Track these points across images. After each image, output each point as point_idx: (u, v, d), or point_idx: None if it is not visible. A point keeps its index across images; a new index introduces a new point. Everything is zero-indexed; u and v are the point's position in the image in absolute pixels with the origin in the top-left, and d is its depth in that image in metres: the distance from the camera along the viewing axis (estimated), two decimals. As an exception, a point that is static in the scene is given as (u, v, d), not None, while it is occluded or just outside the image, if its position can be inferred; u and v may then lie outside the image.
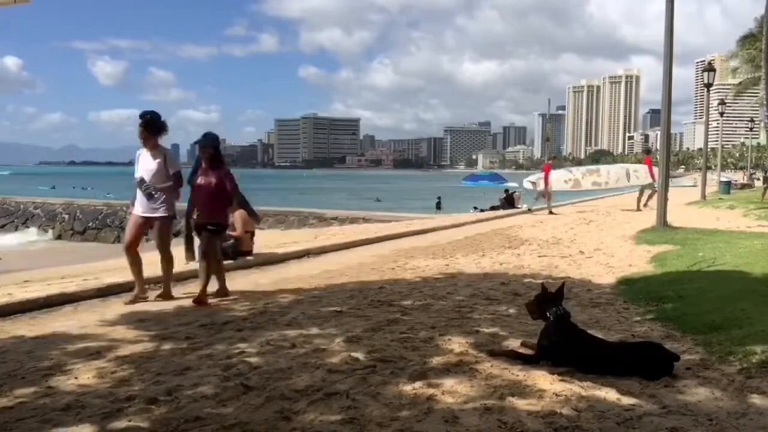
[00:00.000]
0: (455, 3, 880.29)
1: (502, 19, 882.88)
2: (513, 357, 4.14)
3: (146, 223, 6.53)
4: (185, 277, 8.03)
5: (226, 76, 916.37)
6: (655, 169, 17.76)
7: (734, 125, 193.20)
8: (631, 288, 6.83)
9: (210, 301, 6.33)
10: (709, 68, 28.73)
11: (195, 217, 6.77)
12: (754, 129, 58.69)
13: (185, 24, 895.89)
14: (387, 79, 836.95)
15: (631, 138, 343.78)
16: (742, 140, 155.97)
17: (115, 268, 8.06)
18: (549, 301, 4.15)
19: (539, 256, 9.70)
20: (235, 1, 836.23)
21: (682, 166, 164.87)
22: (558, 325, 4.05)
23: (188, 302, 6.32)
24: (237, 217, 9.57)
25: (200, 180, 6.66)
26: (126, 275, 6.81)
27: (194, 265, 8.73)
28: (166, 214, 6.49)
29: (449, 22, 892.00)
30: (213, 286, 6.60)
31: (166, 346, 4.60)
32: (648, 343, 4.21)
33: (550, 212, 19.59)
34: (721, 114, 42.76)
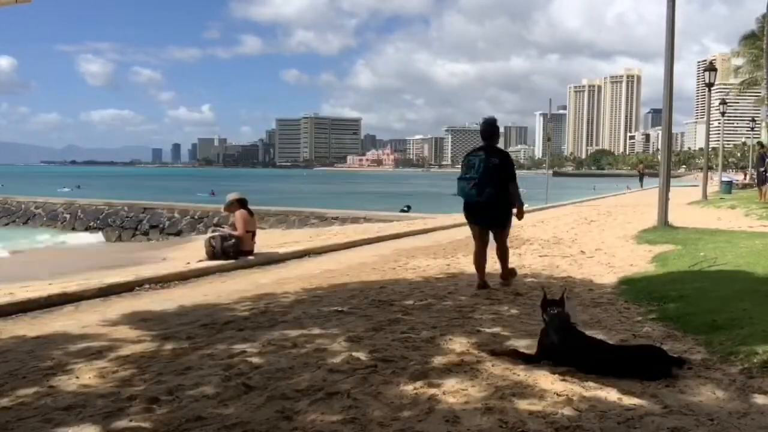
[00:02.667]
0: (422, 7, 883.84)
1: (470, 22, 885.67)
2: (514, 356, 4.15)
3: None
4: (186, 277, 8.05)
5: (214, 77, 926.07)
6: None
7: (735, 125, 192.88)
8: (632, 288, 6.82)
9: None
10: (710, 68, 28.67)
11: None
12: (755, 129, 58.57)
13: (165, 27, 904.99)
14: (369, 80, 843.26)
15: (632, 137, 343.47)
16: (743, 140, 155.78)
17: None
18: (549, 303, 4.21)
19: (540, 256, 9.69)
20: (205, 6, 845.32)
21: (683, 166, 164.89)
22: (554, 326, 4.08)
23: (189, 301, 6.33)
24: (237, 216, 9.59)
25: None
26: (126, 275, 6.82)
27: (195, 265, 8.75)
28: None
29: (421, 25, 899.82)
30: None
31: (168, 346, 4.60)
32: (648, 346, 4.21)
33: None
34: (723, 114, 42.71)
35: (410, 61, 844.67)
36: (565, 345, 3.97)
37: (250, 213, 9.79)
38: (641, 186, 44.30)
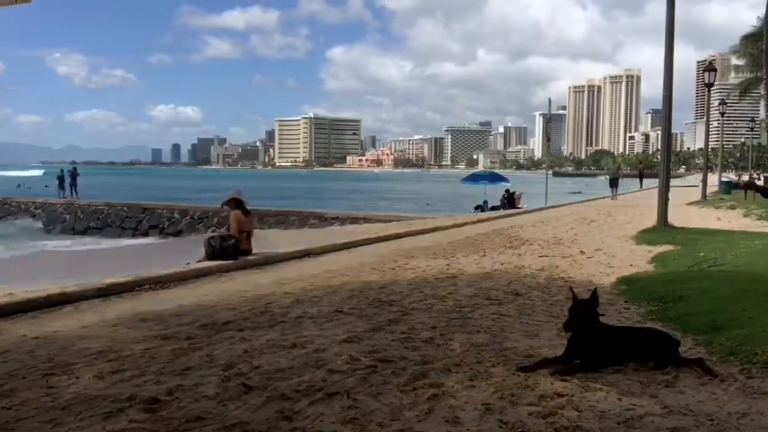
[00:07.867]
0: (360, 14, 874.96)
1: (412, 25, 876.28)
2: (546, 365, 3.97)
3: None
4: (186, 277, 8.05)
5: (194, 79, 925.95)
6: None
7: (735, 125, 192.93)
8: (632, 288, 6.83)
9: None
10: (710, 68, 28.70)
11: None
12: (755, 129, 58.63)
13: (126, 32, 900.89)
14: (336, 84, 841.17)
15: (632, 138, 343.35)
16: (742, 140, 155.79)
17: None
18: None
19: (540, 257, 9.70)
20: (155, 14, 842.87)
21: (683, 166, 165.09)
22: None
23: (188, 302, 6.33)
24: (232, 216, 9.60)
25: None
26: (126, 275, 6.80)
27: (195, 265, 8.74)
28: None
29: (367, 30, 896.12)
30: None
31: (167, 346, 4.59)
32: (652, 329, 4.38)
33: None
34: (722, 114, 42.74)
35: (368, 63, 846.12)
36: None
37: (246, 213, 9.78)
38: (641, 186, 44.32)
